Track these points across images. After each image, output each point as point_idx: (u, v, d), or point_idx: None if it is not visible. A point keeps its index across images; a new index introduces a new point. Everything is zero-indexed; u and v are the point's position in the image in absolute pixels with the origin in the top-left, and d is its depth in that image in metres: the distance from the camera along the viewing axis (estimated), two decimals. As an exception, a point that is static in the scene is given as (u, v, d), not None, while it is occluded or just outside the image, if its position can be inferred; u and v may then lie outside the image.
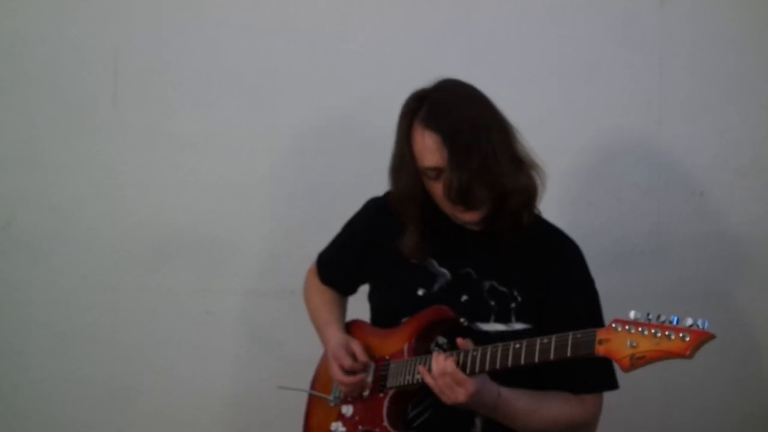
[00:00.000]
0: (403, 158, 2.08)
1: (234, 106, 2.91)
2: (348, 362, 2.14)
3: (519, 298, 2.08)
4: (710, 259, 2.84)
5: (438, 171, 2.03)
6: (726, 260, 2.83)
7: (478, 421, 2.07)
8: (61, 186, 2.95)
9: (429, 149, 2.02)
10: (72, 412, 2.96)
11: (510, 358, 1.87)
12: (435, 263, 2.16)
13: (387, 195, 2.28)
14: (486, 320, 2.07)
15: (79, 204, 2.94)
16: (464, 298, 2.11)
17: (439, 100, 2.05)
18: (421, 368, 1.98)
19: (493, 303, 2.08)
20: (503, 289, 2.09)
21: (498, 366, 1.88)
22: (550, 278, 2.08)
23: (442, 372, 1.91)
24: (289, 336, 2.88)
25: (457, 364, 1.91)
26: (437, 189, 2.06)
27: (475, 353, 1.91)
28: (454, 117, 2.02)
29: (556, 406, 2.04)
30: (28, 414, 2.98)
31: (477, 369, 1.90)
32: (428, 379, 1.95)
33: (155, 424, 2.96)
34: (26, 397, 2.97)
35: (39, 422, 2.98)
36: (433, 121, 2.02)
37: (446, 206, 2.08)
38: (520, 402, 1.99)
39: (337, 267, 2.38)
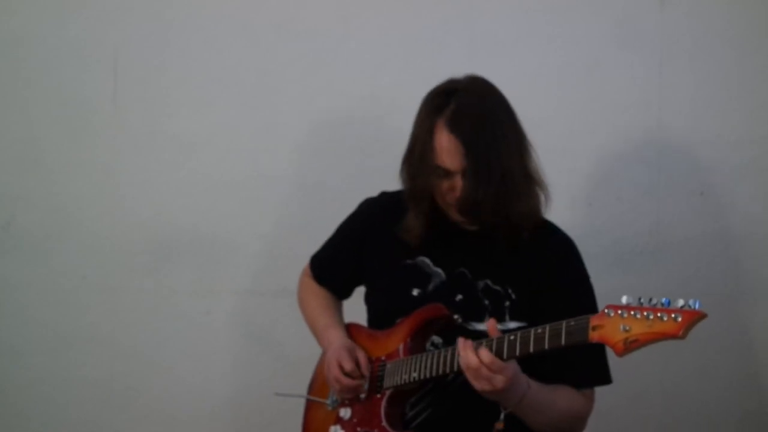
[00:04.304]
0: (424, 153, 2.04)
1: (234, 106, 2.91)
2: (349, 365, 2.13)
3: (513, 296, 2.08)
4: (710, 259, 2.83)
5: (449, 173, 2.02)
6: (726, 260, 2.83)
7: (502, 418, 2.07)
8: (61, 186, 2.95)
9: (448, 152, 2.01)
10: (72, 412, 2.97)
11: (505, 349, 1.87)
12: (430, 263, 2.16)
13: (381, 195, 2.28)
14: (480, 320, 2.07)
15: (79, 204, 2.94)
16: (459, 297, 2.11)
17: (467, 104, 2.03)
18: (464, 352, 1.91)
19: (487, 302, 2.09)
20: (497, 287, 2.09)
21: (506, 356, 1.87)
22: (545, 273, 2.08)
23: (476, 363, 1.87)
24: (289, 336, 2.87)
25: (490, 350, 1.89)
26: (443, 187, 2.05)
27: (502, 340, 1.89)
28: (479, 128, 2.01)
29: (567, 400, 2.05)
30: (28, 414, 2.98)
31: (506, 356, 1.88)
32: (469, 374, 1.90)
33: (155, 424, 2.96)
34: (26, 397, 2.98)
35: (39, 422, 2.98)
36: (458, 127, 2.00)
37: (448, 206, 2.08)
38: (542, 393, 1.99)
39: (333, 268, 2.37)
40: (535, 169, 2.09)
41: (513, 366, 1.90)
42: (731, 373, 2.85)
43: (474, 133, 2.00)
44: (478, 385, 1.89)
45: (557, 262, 2.11)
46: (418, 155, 2.06)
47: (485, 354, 1.87)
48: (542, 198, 2.10)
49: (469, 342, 1.91)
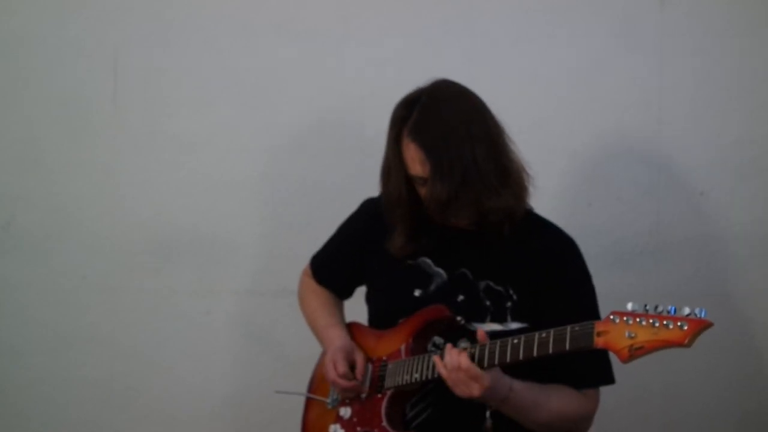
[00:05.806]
0: (392, 163, 2.09)
1: (234, 106, 2.91)
2: (342, 368, 2.14)
3: (515, 297, 2.08)
4: (710, 259, 2.83)
5: (424, 180, 2.04)
6: (726, 260, 2.83)
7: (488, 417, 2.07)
8: (61, 186, 2.95)
9: (414, 160, 2.04)
10: (72, 412, 2.97)
11: (508, 353, 1.87)
12: (431, 264, 2.16)
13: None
14: (482, 320, 2.07)
15: (79, 204, 2.94)
16: (460, 298, 2.11)
17: (427, 109, 2.04)
18: (436, 359, 1.96)
19: (488, 303, 2.09)
20: (499, 288, 2.09)
21: (497, 361, 1.89)
22: (547, 274, 2.08)
23: (456, 367, 1.90)
24: (289, 336, 2.88)
25: (473, 358, 1.90)
26: (424, 195, 2.07)
27: (484, 348, 1.91)
28: (440, 130, 2.02)
29: (562, 400, 2.04)
30: (28, 414, 2.98)
31: (486, 364, 1.90)
32: (442, 371, 1.93)
33: (155, 424, 2.96)
34: (26, 397, 2.97)
35: (39, 422, 2.98)
36: (418, 133, 2.03)
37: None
38: (530, 394, 1.99)
39: (334, 267, 2.38)
40: (514, 163, 2.08)
41: (490, 375, 1.90)
42: (731, 373, 2.85)
43: (434, 137, 2.02)
44: (457, 390, 1.91)
45: (556, 262, 2.10)
46: (387, 167, 2.11)
47: (464, 360, 1.89)
48: (523, 191, 2.09)
49: (453, 347, 1.94)
